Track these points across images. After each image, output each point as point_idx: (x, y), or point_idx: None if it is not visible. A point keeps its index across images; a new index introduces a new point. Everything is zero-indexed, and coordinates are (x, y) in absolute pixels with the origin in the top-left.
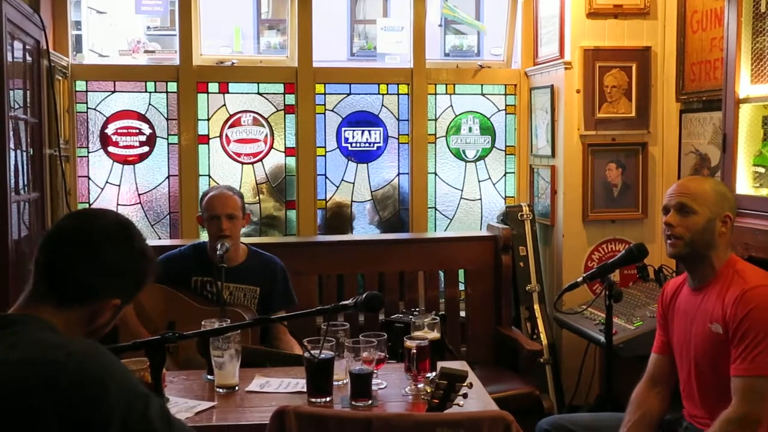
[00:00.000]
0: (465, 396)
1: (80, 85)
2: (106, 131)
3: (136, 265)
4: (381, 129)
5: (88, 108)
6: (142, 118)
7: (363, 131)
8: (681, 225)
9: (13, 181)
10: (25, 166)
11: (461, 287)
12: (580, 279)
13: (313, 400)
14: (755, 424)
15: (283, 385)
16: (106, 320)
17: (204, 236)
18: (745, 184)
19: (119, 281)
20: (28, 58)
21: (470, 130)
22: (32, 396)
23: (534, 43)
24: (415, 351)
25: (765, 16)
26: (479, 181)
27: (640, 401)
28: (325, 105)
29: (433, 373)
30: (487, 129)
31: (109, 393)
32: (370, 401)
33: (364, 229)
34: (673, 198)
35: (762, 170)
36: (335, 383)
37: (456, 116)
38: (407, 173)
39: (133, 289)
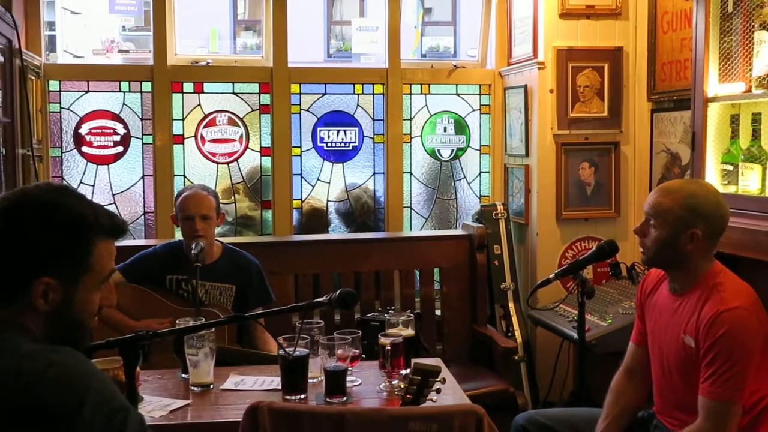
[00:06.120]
0: (438, 391)
1: (53, 84)
2: (79, 131)
3: (58, 236)
4: (356, 129)
5: (61, 108)
6: (117, 118)
7: (338, 131)
8: (646, 237)
9: None
10: None
11: (437, 286)
12: (551, 276)
13: (288, 397)
14: None
15: (258, 383)
16: (49, 304)
17: (179, 235)
18: (714, 182)
19: (52, 258)
20: (0, 57)
21: (445, 129)
22: (7, 406)
23: (508, 43)
24: (389, 348)
25: (732, 17)
26: (454, 181)
27: (619, 393)
28: (300, 105)
29: (407, 370)
30: (462, 129)
31: (86, 406)
32: (344, 398)
33: (340, 229)
34: (646, 207)
35: (730, 168)
36: (310, 381)
37: (431, 116)
38: (383, 173)
39: (71, 260)
